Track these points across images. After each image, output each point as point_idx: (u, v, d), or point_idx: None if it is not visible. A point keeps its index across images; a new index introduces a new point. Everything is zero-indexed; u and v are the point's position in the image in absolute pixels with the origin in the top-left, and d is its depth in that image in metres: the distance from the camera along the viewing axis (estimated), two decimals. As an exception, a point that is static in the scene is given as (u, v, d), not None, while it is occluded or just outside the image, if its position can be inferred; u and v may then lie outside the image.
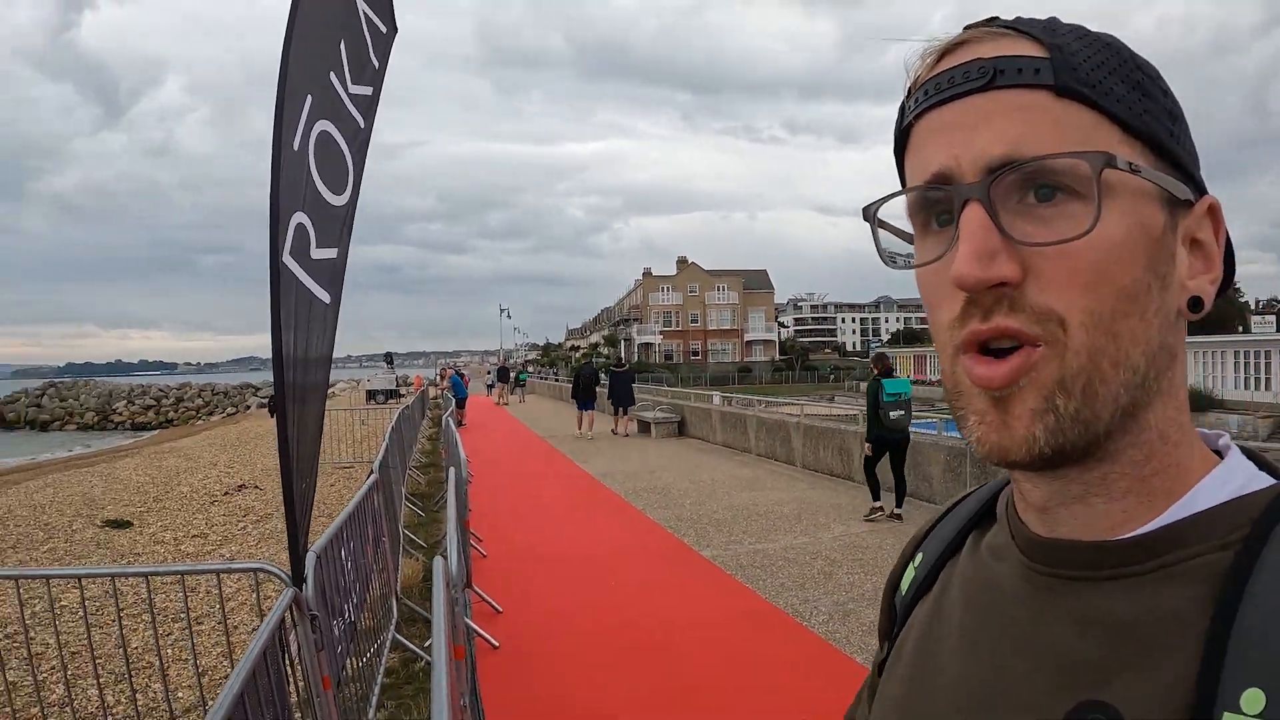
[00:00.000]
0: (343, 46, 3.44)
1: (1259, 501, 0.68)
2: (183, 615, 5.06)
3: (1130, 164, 0.66)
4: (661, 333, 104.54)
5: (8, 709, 5.07)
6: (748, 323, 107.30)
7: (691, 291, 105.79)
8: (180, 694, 5.46)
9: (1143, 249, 0.68)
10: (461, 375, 34.18)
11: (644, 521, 11.07)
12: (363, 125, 3.62)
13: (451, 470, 7.11)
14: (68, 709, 5.12)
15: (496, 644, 6.33)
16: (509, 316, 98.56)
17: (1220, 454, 0.75)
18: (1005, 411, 0.67)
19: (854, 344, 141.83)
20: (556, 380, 52.22)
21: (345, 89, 3.46)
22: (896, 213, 0.75)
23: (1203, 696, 0.60)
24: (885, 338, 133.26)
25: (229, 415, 58.01)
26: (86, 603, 5.02)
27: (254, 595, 4.16)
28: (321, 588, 3.81)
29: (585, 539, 10.16)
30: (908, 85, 0.75)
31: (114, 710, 5.28)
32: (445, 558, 3.62)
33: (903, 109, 0.76)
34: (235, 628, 6.38)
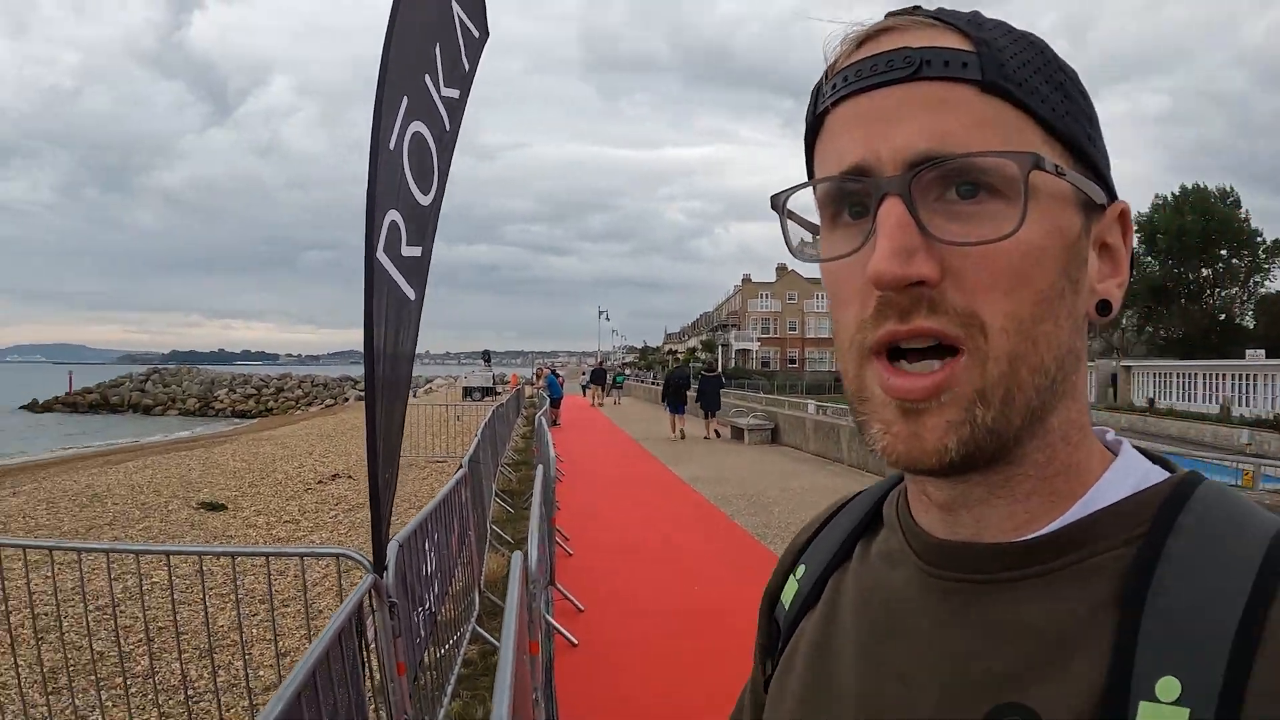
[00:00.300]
0: (437, 49, 3.52)
1: (1157, 495, 0.68)
2: (269, 597, 5.21)
3: (1056, 166, 0.65)
4: (759, 339, 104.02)
5: (92, 677, 5.29)
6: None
7: (790, 299, 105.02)
8: (261, 673, 5.64)
9: (1060, 252, 0.67)
10: (557, 375, 34.46)
11: (732, 527, 11.03)
12: (449, 127, 3.71)
13: (540, 468, 7.19)
14: (150, 680, 5.31)
15: (576, 641, 6.38)
16: (607, 318, 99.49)
17: (1112, 450, 0.75)
18: (917, 423, 0.65)
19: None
20: (654, 383, 52.25)
21: (437, 91, 3.55)
22: (804, 203, 0.73)
23: (1119, 689, 0.60)
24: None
25: (328, 406, 59.45)
26: (175, 580, 5.20)
27: (339, 581, 4.27)
28: (402, 576, 3.90)
29: (671, 541, 10.17)
30: (825, 70, 0.72)
31: (195, 684, 5.47)
32: (525, 553, 3.67)
33: (817, 94, 0.73)
34: (320, 612, 6.55)
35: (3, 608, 5.32)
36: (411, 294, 3.56)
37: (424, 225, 3.61)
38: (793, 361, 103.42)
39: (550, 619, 6.25)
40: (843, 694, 0.77)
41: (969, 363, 0.64)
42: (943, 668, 0.69)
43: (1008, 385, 0.65)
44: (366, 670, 3.39)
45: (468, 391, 42.03)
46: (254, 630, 6.34)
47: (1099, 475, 0.71)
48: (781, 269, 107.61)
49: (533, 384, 31.21)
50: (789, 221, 0.73)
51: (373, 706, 3.72)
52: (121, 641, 5.60)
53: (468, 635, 6.12)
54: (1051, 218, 0.66)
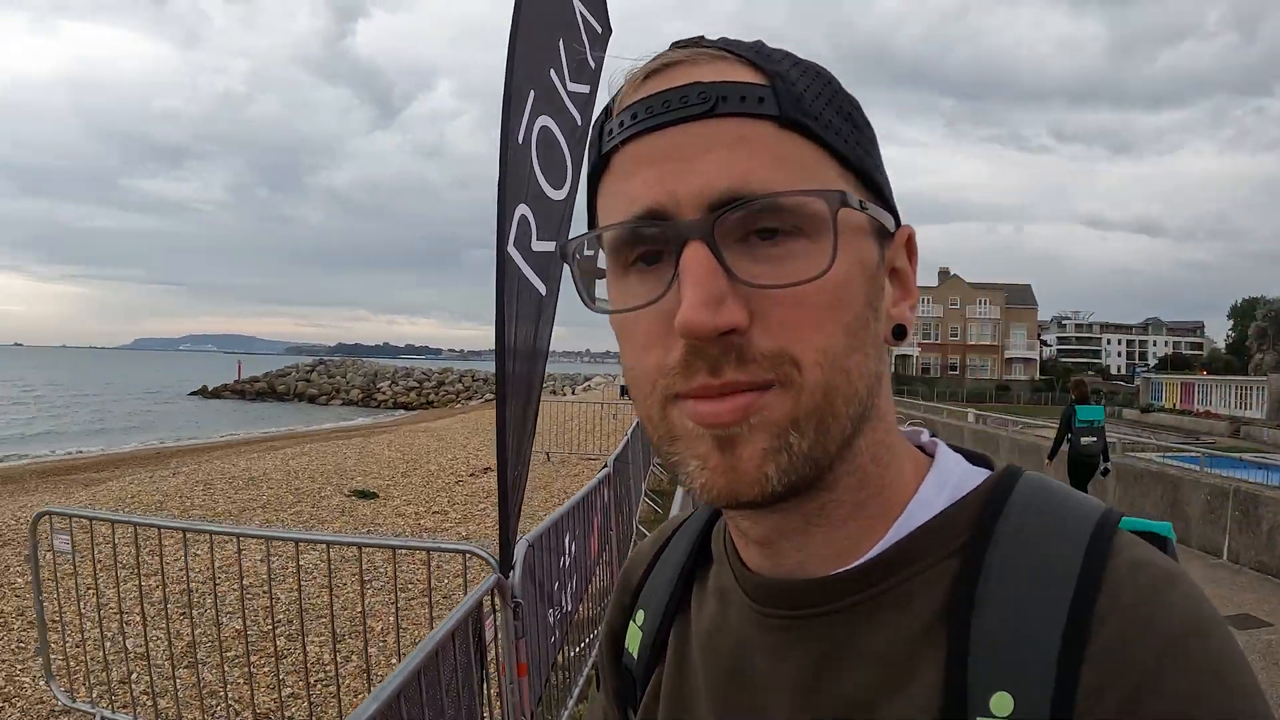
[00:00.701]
0: (561, 45, 3.50)
1: (976, 501, 0.69)
2: (409, 585, 5.29)
3: (860, 201, 0.65)
4: (920, 345, 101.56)
5: (227, 654, 5.48)
6: (1009, 339, 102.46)
7: (953, 305, 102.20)
8: (394, 661, 5.70)
9: (863, 284, 0.66)
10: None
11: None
12: (580, 122, 3.68)
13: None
14: (278, 661, 5.46)
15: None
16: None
17: (928, 452, 0.76)
18: (732, 453, 0.63)
19: (1119, 367, 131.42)
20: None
21: (564, 86, 3.52)
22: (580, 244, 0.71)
23: (955, 707, 0.60)
24: (1152, 362, 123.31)
25: (486, 401, 60.33)
26: (317, 565, 5.30)
27: (465, 577, 4.30)
28: (532, 575, 3.87)
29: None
30: (607, 107, 0.70)
31: (324, 666, 5.62)
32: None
33: (600, 133, 0.70)
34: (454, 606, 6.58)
35: (145, 584, 5.55)
36: (543, 289, 3.53)
37: (556, 220, 3.58)
38: (953, 368, 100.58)
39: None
40: None
41: (779, 391, 0.62)
42: (788, 703, 0.70)
43: (822, 415, 0.64)
44: (483, 671, 3.38)
45: (624, 390, 42.07)
46: (388, 619, 6.43)
47: (914, 490, 0.72)
48: (944, 273, 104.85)
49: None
50: (577, 269, 0.70)
51: (494, 707, 3.71)
52: (256, 621, 5.76)
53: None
54: (854, 251, 0.65)
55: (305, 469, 15.19)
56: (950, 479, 0.72)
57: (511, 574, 3.53)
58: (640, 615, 0.89)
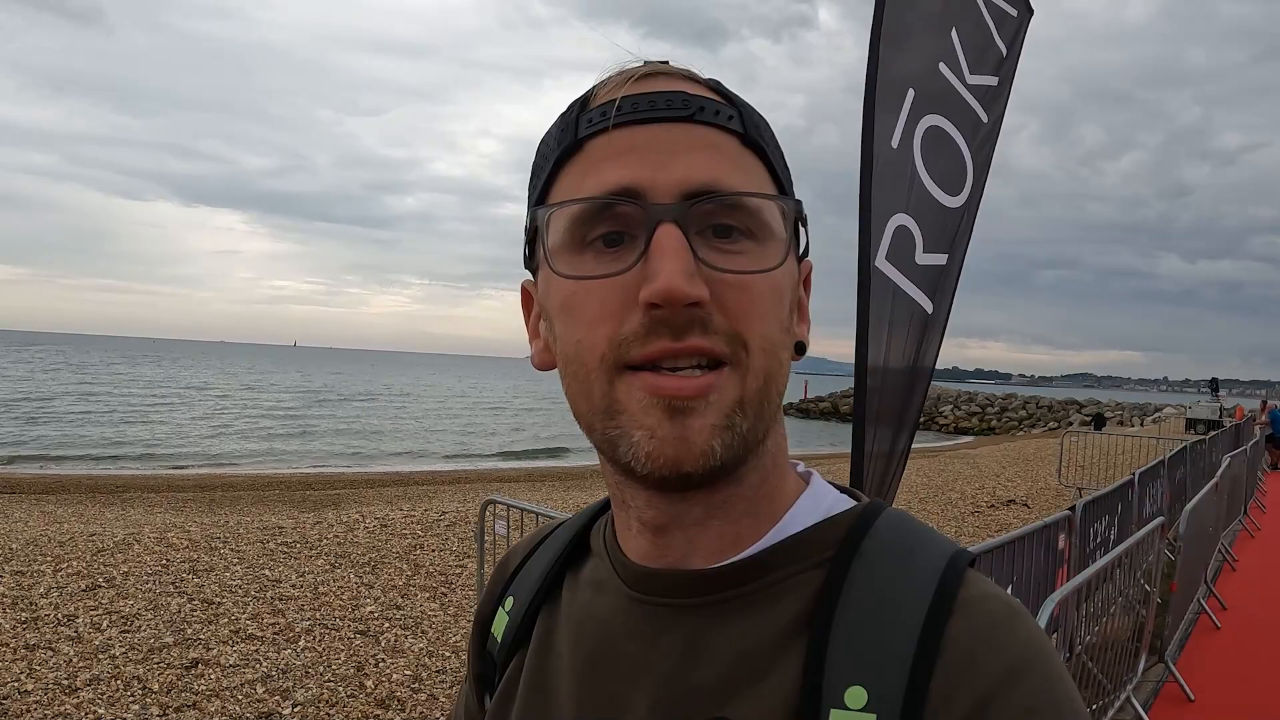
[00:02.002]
0: (955, 35, 3.12)
1: (845, 521, 0.76)
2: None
3: (805, 219, 0.75)
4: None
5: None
6: None
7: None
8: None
9: (790, 292, 0.74)
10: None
11: None
12: (986, 119, 3.25)
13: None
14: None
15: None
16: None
17: (805, 479, 0.82)
18: (684, 425, 0.67)
19: None
20: None
21: (961, 80, 3.14)
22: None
23: (812, 699, 0.66)
24: None
25: (1049, 429, 57.23)
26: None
27: None
28: None
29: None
30: (581, 100, 0.75)
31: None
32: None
33: (575, 123, 0.74)
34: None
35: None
36: (928, 305, 3.19)
37: (951, 230, 3.22)
38: None
39: (1137, 705, 5.38)
40: (563, 707, 0.79)
41: (731, 373, 0.68)
42: (651, 688, 0.73)
43: (761, 399, 0.70)
44: None
45: (1191, 424, 37.94)
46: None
47: (794, 501, 0.78)
48: None
49: (1256, 419, 27.12)
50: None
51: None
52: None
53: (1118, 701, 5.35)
54: (791, 261, 0.73)
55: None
56: (824, 501, 0.79)
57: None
58: (509, 602, 0.91)
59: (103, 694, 5.49)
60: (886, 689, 0.63)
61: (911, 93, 2.99)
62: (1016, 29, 3.37)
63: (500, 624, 0.91)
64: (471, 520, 10.68)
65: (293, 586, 8.20)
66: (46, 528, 10.78)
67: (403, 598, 8.02)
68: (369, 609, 7.60)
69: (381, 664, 6.26)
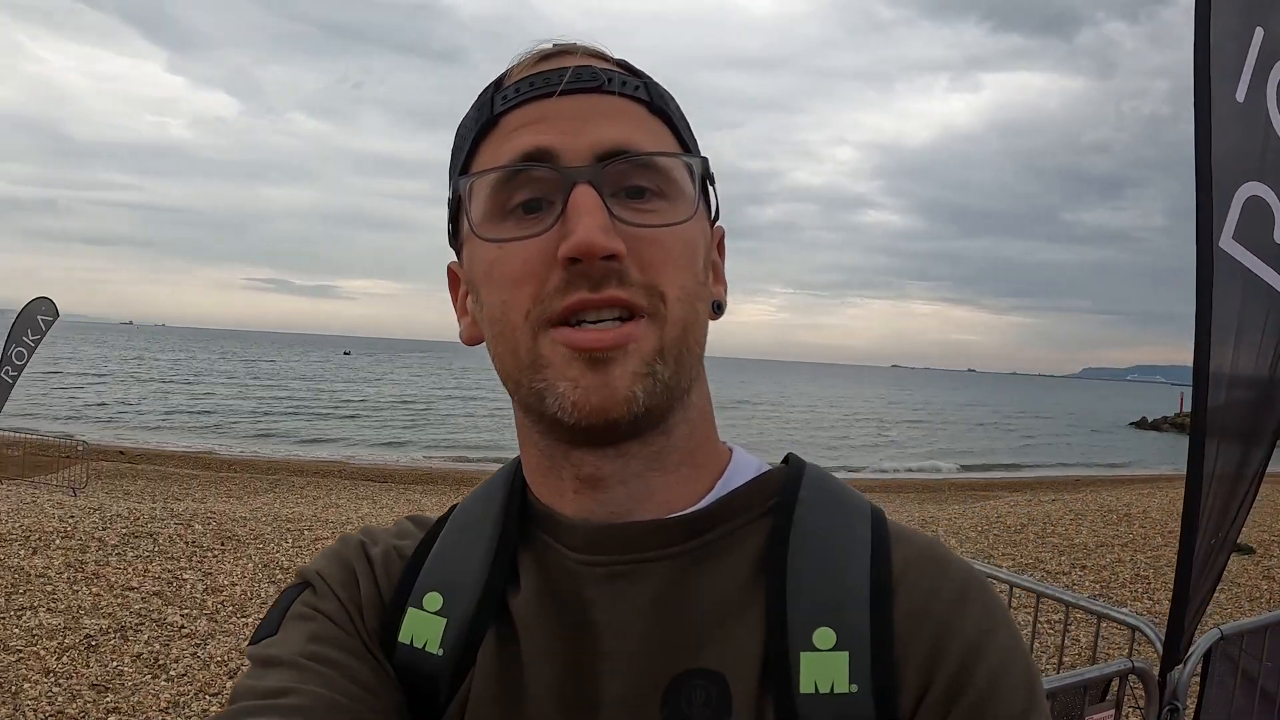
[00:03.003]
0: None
1: (778, 476, 0.81)
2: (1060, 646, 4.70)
3: (712, 177, 0.79)
4: None
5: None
6: None
7: None
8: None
9: (704, 249, 0.77)
10: None
11: None
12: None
13: None
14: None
15: None
16: None
17: (728, 446, 0.85)
18: (605, 374, 0.69)
19: None
20: None
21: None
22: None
23: (780, 642, 0.69)
24: None
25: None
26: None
27: (1130, 652, 3.40)
28: (1227, 679, 2.90)
29: None
30: (497, 80, 0.78)
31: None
32: None
33: (491, 101, 0.77)
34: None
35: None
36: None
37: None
38: None
39: None
40: (536, 701, 0.75)
41: (649, 324, 0.71)
42: (623, 648, 0.73)
43: (680, 348, 0.72)
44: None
45: None
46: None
47: (728, 459, 0.83)
48: None
49: None
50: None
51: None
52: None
53: None
54: (701, 219, 0.77)
55: (1051, 515, 13.56)
56: (752, 462, 0.84)
57: (1180, 668, 2.69)
58: (434, 600, 0.80)
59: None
60: (852, 625, 0.69)
61: (1260, 32, 2.47)
62: None
63: (426, 626, 0.78)
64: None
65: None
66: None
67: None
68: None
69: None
